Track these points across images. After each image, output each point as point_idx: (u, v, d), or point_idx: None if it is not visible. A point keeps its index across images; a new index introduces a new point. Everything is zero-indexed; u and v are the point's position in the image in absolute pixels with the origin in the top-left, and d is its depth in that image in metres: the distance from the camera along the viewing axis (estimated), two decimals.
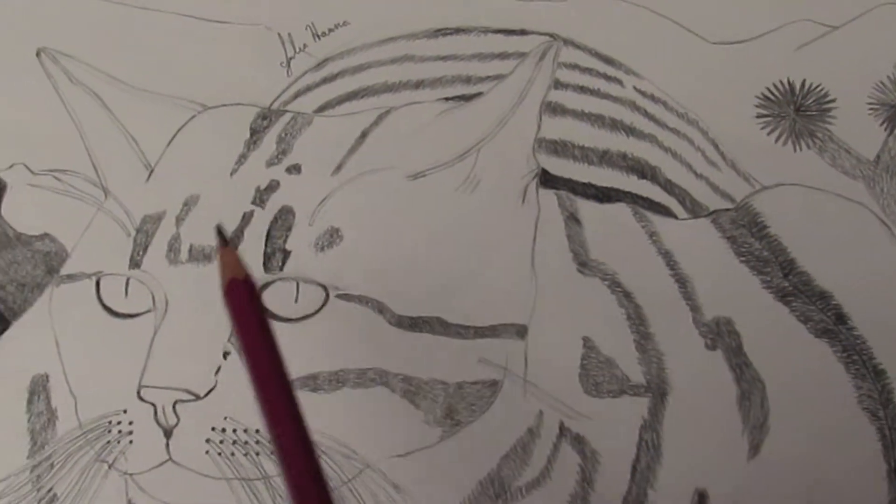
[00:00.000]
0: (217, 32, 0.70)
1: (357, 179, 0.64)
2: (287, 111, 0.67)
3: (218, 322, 0.60)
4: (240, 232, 0.62)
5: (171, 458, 0.60)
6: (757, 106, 0.68)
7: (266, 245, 0.62)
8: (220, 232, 0.54)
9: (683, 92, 0.68)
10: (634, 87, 0.68)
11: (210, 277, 0.61)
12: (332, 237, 0.63)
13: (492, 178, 0.65)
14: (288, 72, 0.69)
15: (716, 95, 0.68)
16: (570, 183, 0.66)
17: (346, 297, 0.62)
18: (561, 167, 0.67)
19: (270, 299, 0.62)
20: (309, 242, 0.62)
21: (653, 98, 0.68)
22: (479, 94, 0.67)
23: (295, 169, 0.64)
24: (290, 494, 0.44)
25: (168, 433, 0.60)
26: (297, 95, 0.68)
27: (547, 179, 0.66)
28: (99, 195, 0.66)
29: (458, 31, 0.70)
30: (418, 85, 0.68)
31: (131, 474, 0.61)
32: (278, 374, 0.47)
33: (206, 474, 0.60)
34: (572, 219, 0.65)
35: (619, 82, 0.69)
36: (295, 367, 0.58)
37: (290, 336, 0.59)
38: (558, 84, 0.68)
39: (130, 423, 0.61)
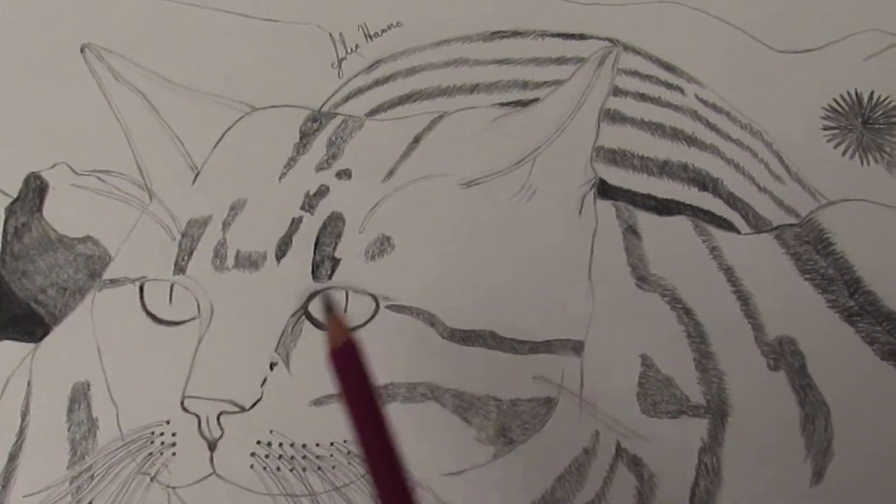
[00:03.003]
0: (267, 31, 0.68)
1: (409, 186, 0.62)
2: (338, 114, 0.66)
3: (264, 331, 0.59)
4: (288, 238, 0.61)
5: (214, 472, 0.59)
6: (823, 118, 0.66)
7: (315, 252, 0.61)
8: (326, 299, 0.53)
9: (747, 102, 0.66)
10: (696, 96, 0.67)
11: (257, 285, 0.60)
12: (382, 245, 0.61)
13: (548, 187, 0.63)
14: (339, 73, 0.67)
15: (781, 106, 0.66)
16: (629, 194, 0.65)
17: (396, 307, 0.60)
18: (620, 177, 0.65)
19: (318, 309, 0.60)
20: (359, 250, 0.61)
21: (715, 107, 0.66)
22: (535, 100, 0.66)
23: (345, 174, 0.63)
24: None
25: (212, 446, 0.59)
26: (348, 98, 0.67)
27: (605, 190, 0.64)
28: (143, 197, 0.64)
29: (514, 34, 0.68)
30: (473, 89, 0.67)
31: (174, 487, 0.60)
32: (385, 441, 0.46)
33: (250, 489, 0.59)
34: (631, 231, 0.63)
35: (681, 90, 0.67)
36: None
37: None
38: (617, 91, 0.66)
39: (174, 434, 0.60)
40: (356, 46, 0.68)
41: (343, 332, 0.49)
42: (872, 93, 0.67)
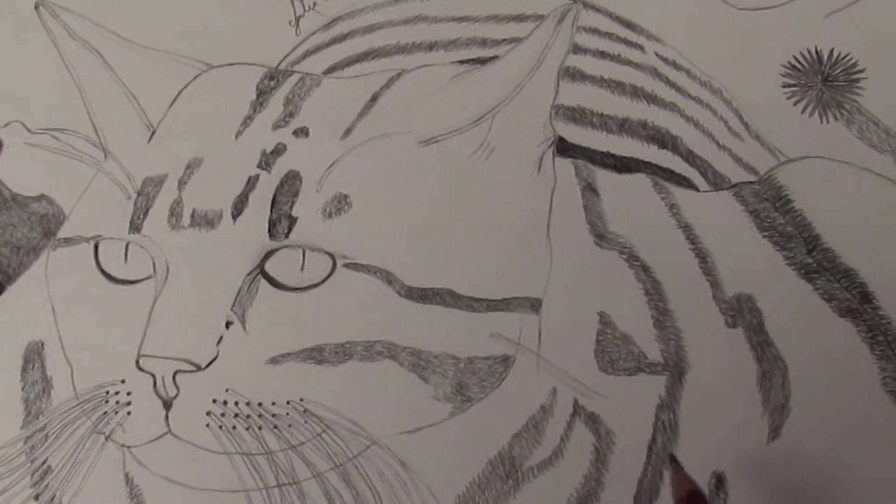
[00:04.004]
0: None
1: (367, 144, 0.62)
2: (295, 72, 0.65)
3: (220, 290, 0.59)
4: (244, 197, 0.60)
5: (170, 431, 0.59)
6: (783, 75, 0.66)
7: (272, 211, 0.60)
8: (672, 458, 0.57)
9: (707, 59, 0.66)
10: (656, 54, 0.66)
11: (213, 244, 0.60)
12: (340, 204, 0.61)
13: (507, 145, 0.62)
14: (297, 31, 0.67)
15: (740, 64, 0.66)
16: (588, 152, 0.64)
17: (353, 266, 0.60)
18: (579, 135, 0.64)
19: (275, 267, 0.59)
20: (316, 209, 0.60)
21: (675, 65, 0.66)
22: (494, 58, 0.65)
23: (302, 132, 0.62)
24: None
25: (167, 405, 0.58)
26: (305, 55, 0.66)
27: (564, 148, 0.64)
28: (98, 156, 0.64)
29: None
30: (431, 47, 0.66)
31: (129, 447, 0.60)
32: None
33: (206, 448, 0.59)
34: (590, 189, 0.63)
35: (641, 48, 0.66)
36: (300, 338, 0.58)
37: (295, 306, 0.58)
38: (577, 49, 0.66)
39: (129, 393, 0.59)
40: (314, 4, 0.67)
41: (690, 483, 0.54)
42: (832, 50, 0.66)
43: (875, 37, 0.66)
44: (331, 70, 0.66)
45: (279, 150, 0.62)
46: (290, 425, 0.59)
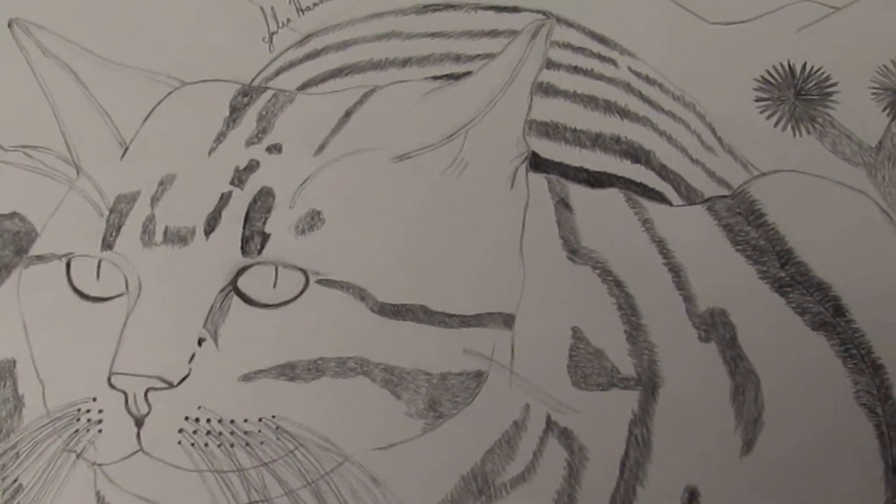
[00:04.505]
0: (198, 5, 0.68)
1: (340, 160, 0.62)
2: (269, 88, 0.65)
3: (193, 307, 0.59)
4: (217, 213, 0.60)
5: (141, 449, 0.58)
6: (756, 89, 0.66)
7: (244, 227, 0.60)
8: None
9: (680, 74, 0.66)
10: (629, 68, 0.66)
11: (185, 261, 0.60)
12: (313, 220, 0.60)
13: (480, 160, 0.62)
14: (270, 47, 0.67)
15: (713, 78, 0.66)
16: (562, 167, 0.64)
17: (326, 282, 0.60)
18: (552, 150, 0.65)
19: (247, 284, 0.59)
20: (289, 225, 0.60)
21: (648, 79, 0.66)
22: (468, 74, 0.65)
23: (276, 148, 0.62)
24: None
25: (139, 422, 0.58)
26: (279, 72, 0.66)
27: (537, 163, 0.64)
28: (71, 173, 0.64)
29: (447, 7, 0.68)
30: (405, 63, 0.66)
31: (100, 465, 0.59)
32: None
33: (178, 466, 0.58)
34: (563, 204, 0.63)
35: (614, 63, 0.66)
36: (272, 354, 0.58)
37: (267, 323, 0.58)
38: (550, 64, 0.66)
39: (100, 411, 0.59)
40: (288, 20, 0.67)
41: None
42: (805, 64, 0.67)
43: (848, 50, 0.67)
44: (304, 86, 0.66)
45: (252, 166, 0.61)
46: (262, 442, 0.58)
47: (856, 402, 0.61)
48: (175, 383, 0.58)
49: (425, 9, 0.67)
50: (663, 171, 0.64)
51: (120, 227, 0.61)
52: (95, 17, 0.67)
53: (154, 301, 0.60)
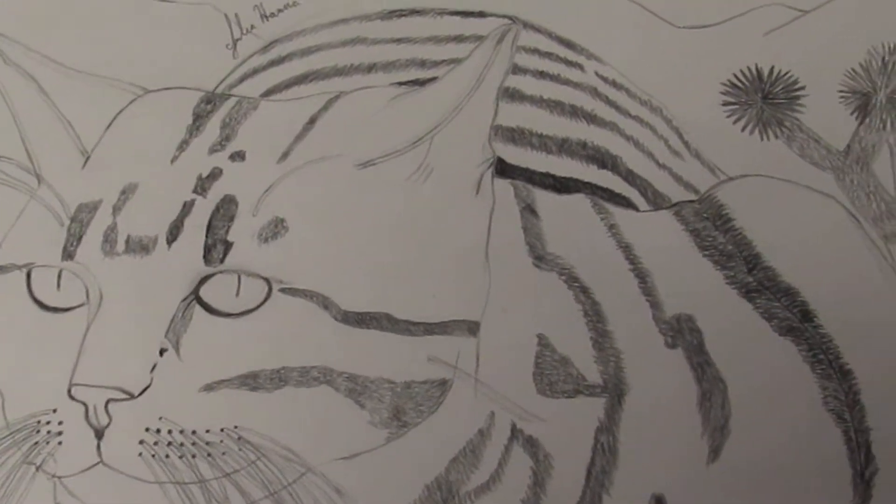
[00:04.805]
0: (160, 12, 0.67)
1: (304, 168, 0.61)
2: (232, 95, 0.65)
3: (154, 317, 0.58)
4: (179, 222, 0.60)
5: (102, 461, 0.58)
6: (723, 93, 0.66)
7: (207, 236, 0.60)
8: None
9: (647, 78, 0.66)
10: (596, 73, 0.66)
11: (147, 270, 0.59)
12: (276, 228, 0.60)
13: (445, 167, 0.62)
14: (234, 54, 0.66)
15: (681, 82, 0.66)
16: (528, 173, 0.64)
17: (290, 290, 0.59)
18: (518, 156, 0.64)
19: (210, 293, 0.59)
20: (252, 233, 0.60)
21: (615, 84, 0.66)
22: (433, 79, 0.64)
23: (239, 156, 0.62)
24: None
25: (99, 434, 0.58)
26: (243, 79, 0.66)
27: (503, 169, 0.64)
28: (32, 182, 0.63)
29: (412, 12, 0.67)
30: (370, 69, 0.66)
31: (60, 477, 0.59)
32: None
33: (138, 477, 0.58)
34: (529, 210, 0.63)
35: (580, 67, 0.66)
36: (235, 364, 0.57)
37: (230, 332, 0.58)
38: (517, 69, 0.66)
39: (60, 423, 0.59)
40: (252, 27, 0.67)
41: None
42: (773, 68, 0.66)
43: (815, 54, 0.66)
44: (268, 93, 0.65)
45: (215, 174, 0.61)
46: (224, 453, 0.58)
47: (823, 407, 0.61)
48: (136, 394, 0.58)
49: (391, 14, 0.67)
50: (630, 177, 0.64)
51: (81, 236, 0.60)
52: (57, 25, 0.66)
53: (115, 311, 0.59)
